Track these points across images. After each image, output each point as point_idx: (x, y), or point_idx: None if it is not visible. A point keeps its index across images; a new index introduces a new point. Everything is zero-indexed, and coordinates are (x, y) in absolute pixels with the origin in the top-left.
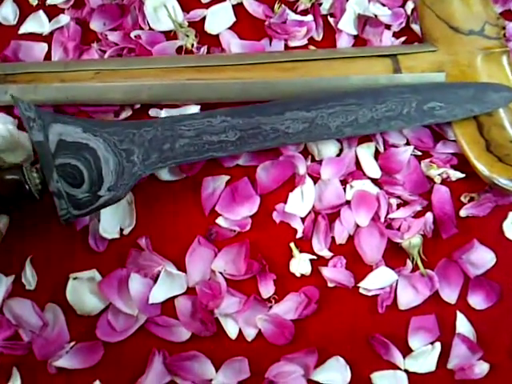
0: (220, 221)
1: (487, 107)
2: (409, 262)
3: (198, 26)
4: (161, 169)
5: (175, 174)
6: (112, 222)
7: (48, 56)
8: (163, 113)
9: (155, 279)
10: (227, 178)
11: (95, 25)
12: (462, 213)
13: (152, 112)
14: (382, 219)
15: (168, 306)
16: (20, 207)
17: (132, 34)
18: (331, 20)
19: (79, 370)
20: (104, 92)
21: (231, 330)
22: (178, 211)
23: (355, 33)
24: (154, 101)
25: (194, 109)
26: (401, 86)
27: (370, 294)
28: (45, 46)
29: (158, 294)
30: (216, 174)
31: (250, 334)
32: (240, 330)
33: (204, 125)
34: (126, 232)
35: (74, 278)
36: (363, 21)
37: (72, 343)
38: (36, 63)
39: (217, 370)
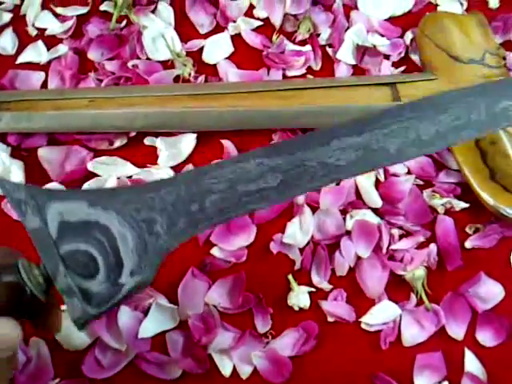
0: (215, 251)
1: None
2: (413, 296)
3: (195, 55)
4: (191, 235)
5: None
6: None
7: (45, 85)
8: (158, 141)
9: (145, 312)
10: None
11: (93, 54)
12: (468, 244)
13: (147, 141)
14: (384, 250)
15: (158, 340)
16: (23, 312)
17: (129, 64)
18: (329, 50)
19: None
20: (99, 119)
21: (225, 366)
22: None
23: (354, 62)
24: (149, 129)
25: (191, 137)
26: (464, 88)
27: (372, 329)
28: (42, 74)
29: (149, 328)
30: None
31: (245, 371)
32: (234, 366)
33: (236, 172)
34: None
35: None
36: (362, 51)
37: (56, 380)
38: (31, 91)
39: None
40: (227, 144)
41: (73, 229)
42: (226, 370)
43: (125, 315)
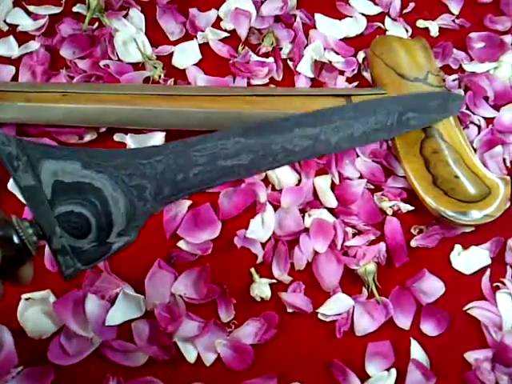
0: (181, 244)
1: (446, 115)
2: (364, 290)
3: (165, 60)
4: (172, 203)
5: None
6: None
7: (15, 78)
8: (128, 138)
9: (112, 301)
10: (189, 202)
11: (65, 52)
12: (413, 243)
13: (117, 137)
14: (339, 247)
15: (124, 329)
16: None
17: (101, 63)
18: (290, 63)
19: None
20: (70, 113)
21: (190, 354)
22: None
23: (312, 76)
24: (120, 125)
25: (159, 136)
26: (386, 97)
27: (327, 319)
28: (12, 68)
29: (115, 317)
30: None
31: (208, 358)
32: (199, 354)
33: (218, 148)
34: None
35: (27, 299)
36: (319, 65)
37: (20, 368)
38: (3, 82)
39: None
40: None
41: (67, 190)
42: (190, 357)
43: (92, 304)
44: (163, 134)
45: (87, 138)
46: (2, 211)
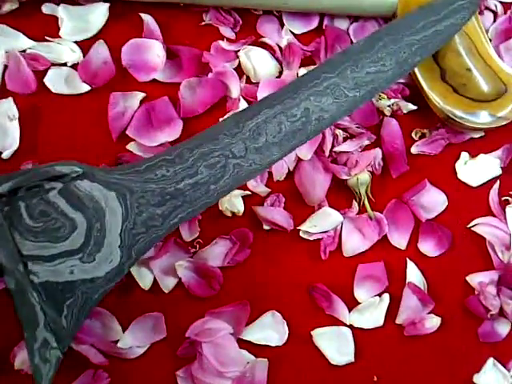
0: (131, 147)
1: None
2: (355, 204)
3: None
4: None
5: (73, 85)
6: None
7: None
8: (60, 9)
9: None
10: (142, 95)
11: None
12: (413, 150)
13: (46, 8)
14: (327, 153)
15: None
16: None
17: None
18: None
19: None
20: None
21: (144, 279)
22: (78, 133)
23: None
24: None
25: (102, 7)
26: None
27: (311, 238)
28: None
29: None
30: (128, 90)
31: (167, 283)
32: (155, 279)
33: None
34: (5, 155)
35: None
36: None
37: None
38: None
39: (124, 330)
40: (148, 19)
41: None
42: (145, 282)
43: None
44: (106, 5)
45: (6, 7)
46: None
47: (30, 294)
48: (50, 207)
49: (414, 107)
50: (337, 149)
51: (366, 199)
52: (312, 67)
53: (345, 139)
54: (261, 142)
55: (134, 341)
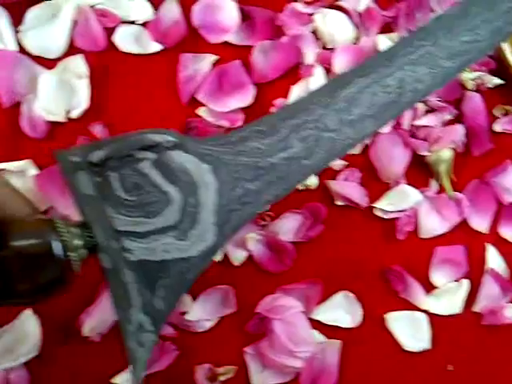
0: (202, 112)
1: None
2: (434, 182)
3: None
4: None
5: (143, 44)
6: (55, 100)
7: None
8: None
9: None
10: (214, 57)
11: None
12: (497, 128)
13: None
14: (406, 126)
15: None
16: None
17: None
18: None
19: None
20: None
21: None
22: (146, 94)
23: None
24: None
25: None
26: None
27: (386, 216)
28: None
29: None
30: (199, 52)
31: (237, 256)
32: (225, 252)
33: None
34: (74, 115)
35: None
36: None
37: None
38: None
39: (193, 300)
40: None
41: None
42: None
43: None
44: None
45: None
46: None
47: (124, 273)
48: (143, 179)
49: (500, 81)
50: (417, 122)
51: (447, 178)
52: (391, 34)
53: (426, 112)
54: (354, 114)
55: (202, 313)
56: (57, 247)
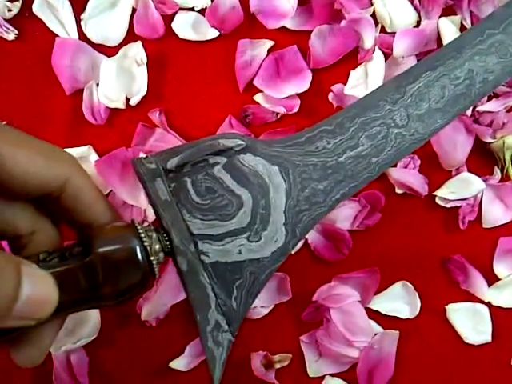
0: (259, 98)
1: None
2: (498, 170)
3: None
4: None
5: (200, 31)
6: (115, 87)
7: None
8: None
9: None
10: (271, 43)
11: None
12: None
13: None
14: (469, 112)
15: None
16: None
17: None
18: None
19: None
20: None
21: None
22: (204, 81)
23: None
24: None
25: None
26: None
27: (448, 205)
28: None
29: None
30: (256, 37)
31: None
32: None
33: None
34: (133, 102)
35: None
36: None
37: None
38: None
39: None
40: None
41: None
42: None
43: None
44: None
45: None
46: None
47: (201, 275)
48: (215, 183)
49: None
50: (480, 108)
51: (511, 165)
52: (454, 17)
53: (489, 98)
54: (423, 109)
55: (258, 300)
56: (140, 252)
